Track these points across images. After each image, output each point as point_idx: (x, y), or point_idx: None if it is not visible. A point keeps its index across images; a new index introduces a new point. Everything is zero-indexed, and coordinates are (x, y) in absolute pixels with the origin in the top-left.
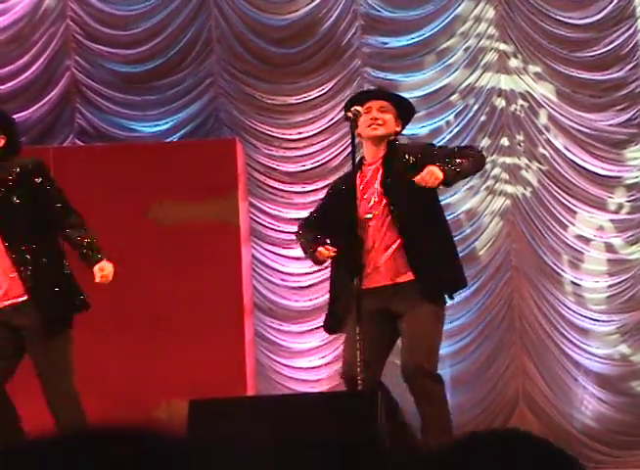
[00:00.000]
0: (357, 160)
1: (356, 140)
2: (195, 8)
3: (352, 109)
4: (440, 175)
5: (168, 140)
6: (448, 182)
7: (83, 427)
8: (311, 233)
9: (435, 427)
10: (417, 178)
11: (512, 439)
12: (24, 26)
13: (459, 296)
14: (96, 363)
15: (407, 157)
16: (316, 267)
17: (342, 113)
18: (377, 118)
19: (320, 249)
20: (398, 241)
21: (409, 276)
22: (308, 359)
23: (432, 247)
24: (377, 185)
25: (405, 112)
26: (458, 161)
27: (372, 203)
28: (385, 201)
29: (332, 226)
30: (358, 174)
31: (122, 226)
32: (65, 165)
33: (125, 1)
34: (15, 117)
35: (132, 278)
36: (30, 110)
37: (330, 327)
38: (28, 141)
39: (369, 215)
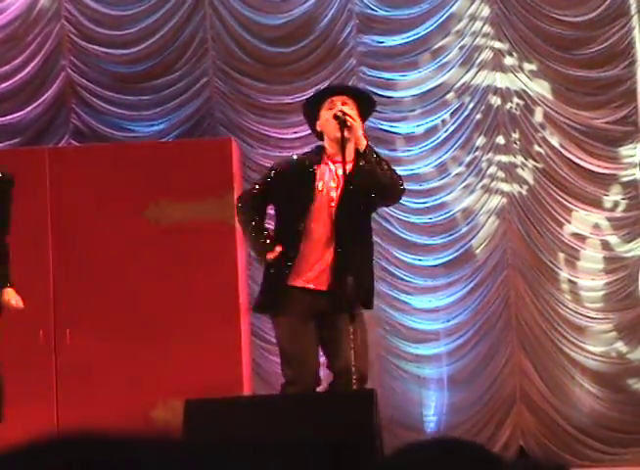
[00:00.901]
0: (316, 152)
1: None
2: (190, 8)
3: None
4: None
5: (164, 140)
6: (362, 153)
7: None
8: (256, 216)
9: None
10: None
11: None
12: (19, 27)
13: (456, 294)
14: (92, 364)
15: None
16: None
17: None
18: (346, 113)
19: (270, 256)
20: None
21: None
22: None
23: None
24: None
25: (366, 106)
26: (385, 167)
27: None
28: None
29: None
30: (316, 168)
31: (118, 226)
32: (60, 166)
33: (120, 1)
34: (10, 117)
35: (128, 278)
36: (25, 110)
37: (261, 307)
38: (24, 142)
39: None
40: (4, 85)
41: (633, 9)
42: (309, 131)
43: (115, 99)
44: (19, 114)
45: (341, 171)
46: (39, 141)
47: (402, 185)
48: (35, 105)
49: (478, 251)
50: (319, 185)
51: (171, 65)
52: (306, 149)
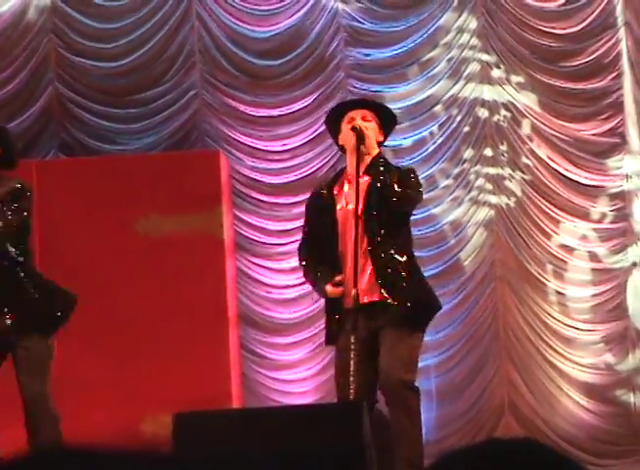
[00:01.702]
0: (339, 173)
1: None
2: (177, 21)
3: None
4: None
5: (152, 152)
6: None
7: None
8: (314, 265)
9: (409, 439)
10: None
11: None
12: (6, 40)
13: (445, 305)
14: (80, 376)
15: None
16: (302, 280)
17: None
18: (363, 127)
19: (329, 288)
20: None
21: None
22: (294, 372)
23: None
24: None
25: (388, 121)
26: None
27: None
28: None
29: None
30: (337, 189)
31: (107, 239)
32: (48, 179)
33: (108, 15)
34: None
35: (117, 290)
36: (13, 123)
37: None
38: None
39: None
40: None
41: (620, 21)
42: (297, 143)
43: (104, 112)
44: (6, 126)
45: (363, 181)
46: (27, 154)
47: (408, 198)
48: (23, 118)
49: (466, 263)
50: (339, 208)
51: (159, 77)
52: (295, 161)
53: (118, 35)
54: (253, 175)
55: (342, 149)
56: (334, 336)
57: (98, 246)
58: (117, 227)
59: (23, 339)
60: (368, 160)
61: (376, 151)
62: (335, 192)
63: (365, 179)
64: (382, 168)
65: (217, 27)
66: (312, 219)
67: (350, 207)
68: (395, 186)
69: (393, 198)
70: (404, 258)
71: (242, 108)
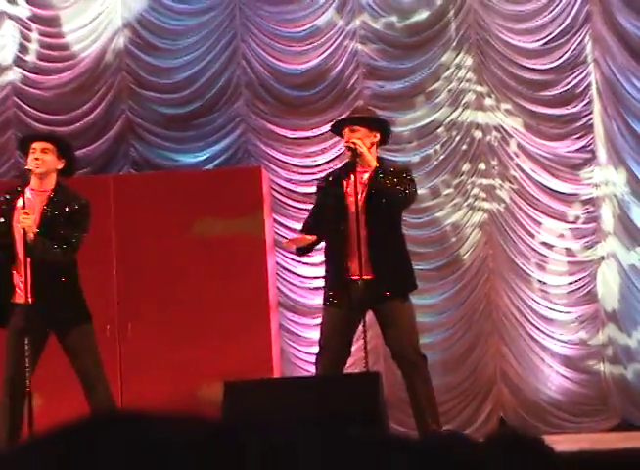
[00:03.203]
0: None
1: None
2: (226, 60)
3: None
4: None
5: (205, 168)
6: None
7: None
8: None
9: (429, 400)
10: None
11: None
12: (89, 77)
13: (447, 293)
14: (149, 352)
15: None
16: None
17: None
18: (353, 143)
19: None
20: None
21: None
22: None
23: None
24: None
25: (376, 125)
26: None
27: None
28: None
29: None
30: (346, 180)
31: (170, 239)
32: (122, 191)
33: (169, 55)
34: (81, 151)
35: (179, 282)
36: (93, 145)
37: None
38: (92, 171)
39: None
40: (77, 125)
41: (589, 58)
42: (325, 159)
43: (166, 135)
44: (88, 148)
45: (364, 178)
46: (105, 170)
47: (405, 195)
48: (102, 141)
49: (464, 257)
50: (347, 194)
51: (211, 106)
52: (323, 174)
53: (178, 72)
54: (289, 186)
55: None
56: (331, 301)
57: (163, 244)
58: (178, 229)
59: (77, 327)
60: (370, 169)
61: (374, 162)
62: (342, 182)
63: (366, 177)
64: (381, 176)
65: (259, 65)
66: (321, 200)
67: (351, 198)
68: (395, 184)
69: (391, 195)
70: (396, 246)
71: (279, 131)
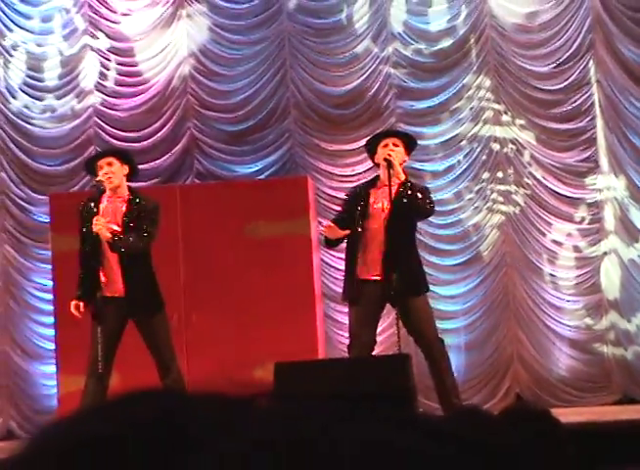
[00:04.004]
0: (373, 180)
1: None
2: (276, 84)
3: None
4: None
5: (259, 178)
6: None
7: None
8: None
9: (449, 377)
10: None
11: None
12: (158, 100)
13: (469, 284)
14: (211, 337)
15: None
16: None
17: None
18: (391, 153)
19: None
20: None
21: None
22: None
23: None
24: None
25: (411, 143)
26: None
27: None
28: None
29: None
30: (372, 191)
31: (228, 240)
32: (187, 198)
33: (228, 80)
34: (152, 164)
35: (236, 276)
36: (162, 159)
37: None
38: (161, 181)
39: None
40: (148, 141)
41: (593, 80)
42: (363, 169)
43: (225, 149)
44: (157, 161)
45: (389, 191)
46: (172, 180)
47: (431, 208)
48: (169, 155)
49: (484, 254)
50: (372, 202)
51: (264, 124)
52: (360, 182)
53: (235, 94)
54: (331, 192)
55: (377, 165)
56: (350, 296)
57: (223, 244)
58: (236, 231)
59: (155, 315)
60: (398, 180)
61: (402, 176)
62: (370, 192)
63: (394, 189)
64: (410, 188)
65: (305, 87)
66: (347, 207)
67: (377, 206)
68: (417, 196)
69: (420, 206)
70: (412, 250)
71: (322, 144)
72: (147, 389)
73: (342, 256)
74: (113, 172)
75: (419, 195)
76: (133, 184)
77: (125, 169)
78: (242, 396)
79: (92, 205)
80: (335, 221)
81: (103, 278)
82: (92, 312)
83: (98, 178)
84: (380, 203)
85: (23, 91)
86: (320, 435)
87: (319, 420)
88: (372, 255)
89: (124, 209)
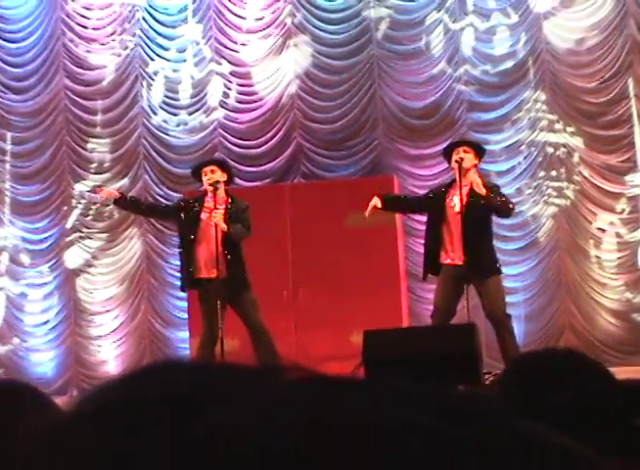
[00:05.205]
0: (450, 181)
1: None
2: (367, 100)
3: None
4: (482, 191)
5: (354, 177)
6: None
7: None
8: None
9: (513, 346)
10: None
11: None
12: (270, 115)
13: (529, 265)
14: (315, 310)
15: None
16: None
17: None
18: (462, 158)
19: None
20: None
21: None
22: None
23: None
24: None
25: (480, 151)
26: (499, 198)
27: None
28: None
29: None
30: (450, 190)
31: (328, 228)
32: (295, 195)
33: (327, 97)
34: (265, 166)
35: (335, 259)
36: (274, 162)
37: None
38: (273, 181)
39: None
40: (263, 148)
41: (632, 94)
42: (439, 170)
43: (326, 154)
44: (270, 164)
45: (464, 191)
46: (282, 180)
47: (510, 209)
48: (280, 159)
49: (541, 240)
50: (448, 200)
51: (357, 133)
52: (437, 181)
53: (334, 109)
54: (413, 189)
55: (452, 169)
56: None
57: (324, 232)
58: (335, 221)
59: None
60: (469, 180)
61: (474, 176)
62: (448, 191)
63: (466, 189)
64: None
65: (391, 102)
66: (424, 202)
67: (452, 203)
68: (493, 197)
69: (484, 201)
70: (486, 238)
71: (405, 149)
72: (170, 360)
73: (419, 240)
74: (215, 179)
75: (498, 198)
76: (250, 183)
77: (224, 177)
78: (270, 368)
79: (196, 203)
80: (404, 198)
81: (201, 262)
82: (198, 295)
83: (207, 181)
84: (454, 199)
85: (162, 108)
86: (325, 413)
87: (329, 399)
88: (451, 243)
89: (223, 208)
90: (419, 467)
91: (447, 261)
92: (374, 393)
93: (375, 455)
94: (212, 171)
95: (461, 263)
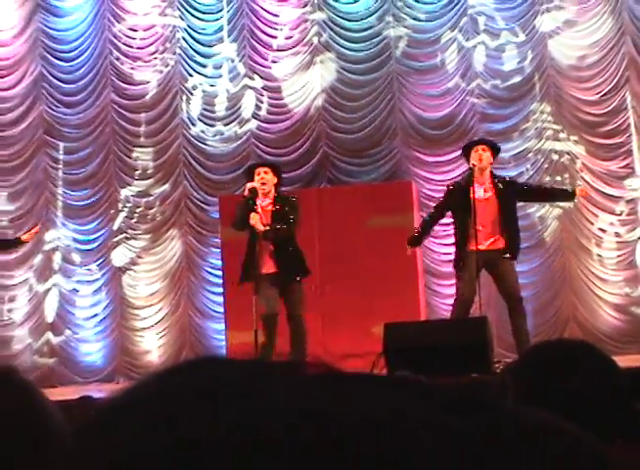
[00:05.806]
0: (469, 179)
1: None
2: (387, 112)
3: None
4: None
5: (375, 183)
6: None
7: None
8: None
9: (525, 330)
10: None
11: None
12: (299, 126)
13: (536, 263)
14: (340, 305)
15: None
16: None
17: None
18: (481, 157)
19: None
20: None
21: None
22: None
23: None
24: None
25: (496, 149)
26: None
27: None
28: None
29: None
30: (470, 188)
31: (352, 229)
32: (322, 199)
33: (351, 110)
34: (293, 173)
35: (359, 257)
36: (302, 169)
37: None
38: (301, 186)
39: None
40: (291, 156)
41: (629, 106)
42: (454, 175)
43: (349, 161)
44: (299, 171)
45: (486, 185)
46: (310, 185)
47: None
48: (307, 166)
49: (547, 239)
50: (471, 195)
51: (377, 142)
52: (456, 180)
53: (356, 120)
54: (430, 193)
55: (471, 165)
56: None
57: (348, 232)
58: (358, 223)
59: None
60: (487, 173)
61: (488, 170)
62: (469, 188)
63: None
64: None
65: (409, 114)
66: (447, 201)
67: (477, 195)
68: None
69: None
70: (513, 226)
71: (423, 157)
72: (204, 357)
73: (437, 240)
74: (267, 180)
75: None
76: (281, 188)
77: (275, 180)
78: (289, 364)
79: (252, 203)
80: (431, 215)
81: (259, 259)
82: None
83: (255, 185)
84: (478, 194)
85: (200, 120)
86: (331, 407)
87: (339, 394)
88: (482, 230)
89: (271, 208)
90: (432, 462)
91: (475, 248)
92: (383, 388)
93: (389, 452)
94: (266, 173)
95: (490, 248)
